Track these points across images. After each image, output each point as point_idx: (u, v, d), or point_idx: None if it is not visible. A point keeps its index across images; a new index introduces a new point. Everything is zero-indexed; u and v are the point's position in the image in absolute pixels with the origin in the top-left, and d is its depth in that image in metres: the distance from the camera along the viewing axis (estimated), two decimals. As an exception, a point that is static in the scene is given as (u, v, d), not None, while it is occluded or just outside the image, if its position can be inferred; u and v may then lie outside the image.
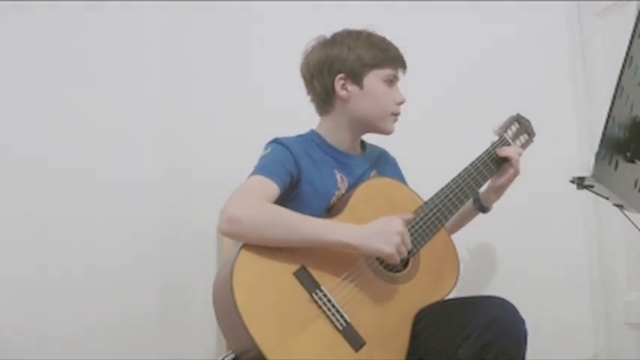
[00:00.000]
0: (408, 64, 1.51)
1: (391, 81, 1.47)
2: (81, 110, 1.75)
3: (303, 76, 1.52)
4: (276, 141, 1.44)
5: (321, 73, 1.47)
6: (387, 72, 1.46)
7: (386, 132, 1.50)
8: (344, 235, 1.25)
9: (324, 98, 1.49)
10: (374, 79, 1.45)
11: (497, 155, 1.51)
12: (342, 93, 1.45)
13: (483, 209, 1.59)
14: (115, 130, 1.78)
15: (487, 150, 1.53)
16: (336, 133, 1.50)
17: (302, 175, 1.40)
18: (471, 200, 1.58)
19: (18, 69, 1.69)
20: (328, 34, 1.50)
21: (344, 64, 1.44)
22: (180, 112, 1.86)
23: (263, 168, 1.36)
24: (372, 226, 1.27)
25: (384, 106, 1.47)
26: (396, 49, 1.49)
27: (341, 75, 1.45)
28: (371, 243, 1.24)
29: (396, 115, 1.49)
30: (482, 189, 1.56)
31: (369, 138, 1.60)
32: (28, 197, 1.65)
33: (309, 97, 1.53)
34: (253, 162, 1.40)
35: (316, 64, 1.47)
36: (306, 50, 1.51)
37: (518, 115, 1.61)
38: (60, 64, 1.74)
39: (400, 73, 1.50)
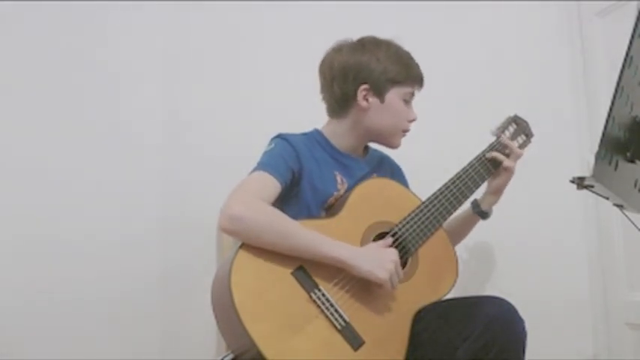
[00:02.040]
0: None
1: (408, 100, 1.48)
2: (81, 109, 1.75)
3: (323, 75, 1.50)
4: (280, 136, 1.43)
5: (345, 78, 1.45)
6: (407, 90, 1.47)
7: (392, 146, 1.52)
8: (340, 252, 1.25)
9: (341, 103, 1.48)
10: (395, 95, 1.46)
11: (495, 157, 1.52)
12: (362, 103, 1.45)
13: (482, 214, 1.58)
14: (114, 130, 1.78)
15: (484, 151, 1.53)
16: (342, 138, 1.50)
17: (303, 173, 1.40)
18: (470, 207, 1.58)
19: (18, 69, 1.69)
20: (355, 38, 1.49)
21: (370, 74, 1.43)
22: (181, 111, 1.86)
23: (266, 164, 1.36)
24: (368, 250, 1.29)
25: (399, 123, 1.48)
26: (418, 68, 1.49)
27: (365, 86, 1.44)
28: (365, 265, 1.25)
29: (405, 131, 1.50)
30: (480, 194, 1.56)
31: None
32: (28, 197, 1.65)
33: (321, 96, 1.52)
34: (253, 161, 1.39)
35: (342, 68, 1.45)
36: (333, 49, 1.49)
37: (515, 115, 1.61)
38: (60, 63, 1.74)
39: (417, 91, 1.51)
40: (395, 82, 1.45)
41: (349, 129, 1.49)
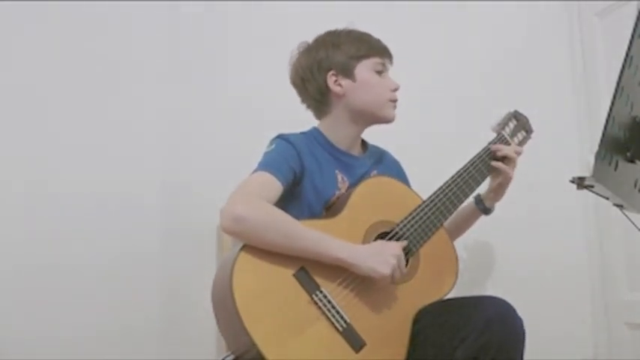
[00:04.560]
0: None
1: (381, 70, 1.49)
2: (81, 110, 1.75)
3: (295, 84, 1.53)
4: (280, 137, 1.43)
5: (312, 75, 1.48)
6: (375, 61, 1.48)
7: (387, 120, 1.50)
8: (341, 251, 1.25)
9: (319, 99, 1.49)
10: (364, 69, 1.47)
11: (495, 153, 1.52)
12: (336, 89, 1.46)
13: (486, 210, 1.58)
14: (114, 130, 1.78)
15: (485, 148, 1.53)
16: (337, 131, 1.49)
17: (305, 173, 1.40)
18: (473, 202, 1.58)
19: (18, 69, 1.69)
20: (310, 40, 1.52)
21: (332, 61, 1.46)
22: (180, 111, 1.86)
23: (267, 164, 1.36)
24: (369, 247, 1.29)
25: (381, 94, 1.48)
26: (378, 40, 1.51)
27: (332, 71, 1.46)
28: (366, 262, 1.25)
29: (393, 101, 1.49)
30: (484, 190, 1.56)
31: (374, 136, 1.59)
32: (28, 197, 1.65)
33: (304, 105, 1.54)
34: (253, 161, 1.39)
35: (305, 69, 1.49)
36: (292, 59, 1.53)
37: (515, 111, 1.61)
38: (59, 63, 1.74)
39: (387, 62, 1.51)
40: (358, 58, 1.47)
41: (340, 120, 1.49)
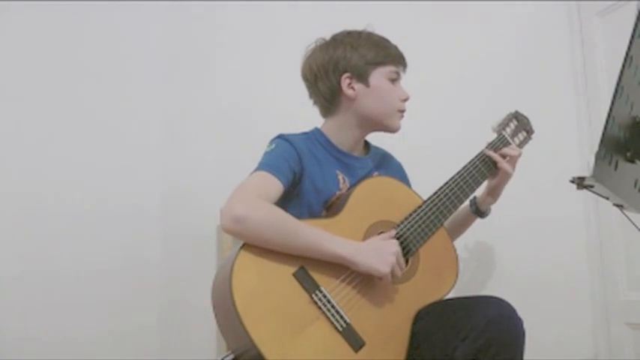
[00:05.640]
0: (409, 63, 1.52)
1: (394, 79, 1.48)
2: (81, 110, 1.75)
3: (306, 79, 1.52)
4: (281, 137, 1.43)
5: (326, 74, 1.46)
6: (390, 69, 1.47)
7: (393, 129, 1.50)
8: (342, 249, 1.26)
9: (329, 99, 1.48)
10: (379, 76, 1.46)
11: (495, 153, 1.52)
12: (348, 92, 1.45)
13: (481, 213, 1.59)
14: (115, 130, 1.78)
15: (486, 148, 1.53)
16: (341, 133, 1.49)
17: (305, 173, 1.40)
18: (467, 205, 1.58)
19: (18, 68, 1.70)
20: (327, 37, 1.51)
21: (348, 63, 1.45)
22: (181, 111, 1.86)
23: (267, 164, 1.36)
24: (369, 244, 1.30)
25: (391, 103, 1.47)
26: (396, 48, 1.50)
27: (347, 74, 1.45)
28: (367, 260, 1.26)
29: (402, 112, 1.49)
30: (478, 193, 1.56)
31: (375, 136, 1.59)
32: (28, 198, 1.66)
33: (311, 101, 1.53)
34: (253, 161, 1.40)
35: (320, 66, 1.47)
36: (307, 53, 1.52)
37: (516, 112, 1.61)
38: (59, 64, 1.74)
39: (402, 71, 1.51)
40: (375, 64, 1.46)
41: (346, 123, 1.49)
